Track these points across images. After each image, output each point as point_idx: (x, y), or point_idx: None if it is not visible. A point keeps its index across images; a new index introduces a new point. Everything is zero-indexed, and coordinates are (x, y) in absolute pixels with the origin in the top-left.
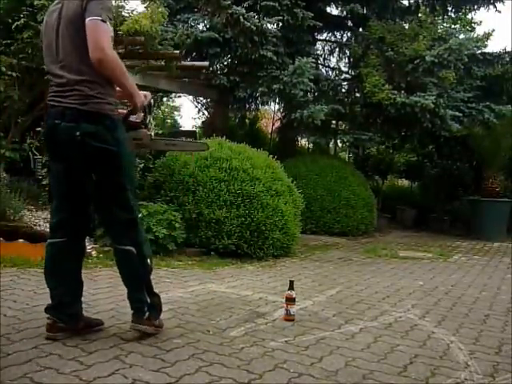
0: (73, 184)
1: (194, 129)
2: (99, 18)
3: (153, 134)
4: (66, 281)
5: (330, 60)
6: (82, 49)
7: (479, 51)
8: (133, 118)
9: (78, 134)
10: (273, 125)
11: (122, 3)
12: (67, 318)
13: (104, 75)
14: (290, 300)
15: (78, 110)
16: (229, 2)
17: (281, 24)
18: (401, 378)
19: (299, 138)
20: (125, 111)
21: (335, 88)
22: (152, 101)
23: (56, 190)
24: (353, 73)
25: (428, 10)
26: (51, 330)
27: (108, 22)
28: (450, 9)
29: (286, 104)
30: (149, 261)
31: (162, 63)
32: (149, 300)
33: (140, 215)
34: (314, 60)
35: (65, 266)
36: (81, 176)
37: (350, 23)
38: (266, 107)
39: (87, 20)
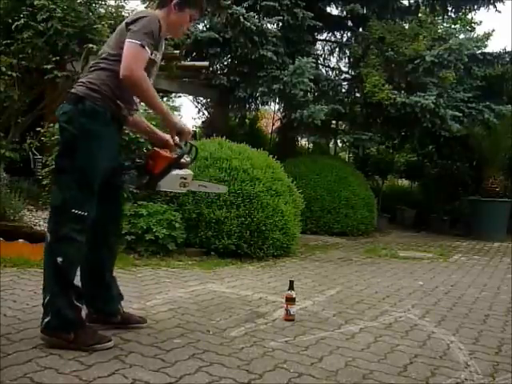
0: None
1: (194, 129)
2: (138, 42)
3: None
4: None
5: (330, 60)
6: (111, 53)
7: (479, 51)
8: (184, 159)
9: (56, 113)
10: (273, 125)
11: (122, 3)
12: None
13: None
14: (290, 300)
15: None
16: (229, 2)
17: (281, 24)
18: (401, 377)
19: (299, 138)
20: (167, 136)
21: (335, 88)
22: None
23: None
24: (353, 73)
25: (428, 9)
26: None
27: (147, 47)
28: (450, 9)
29: (286, 104)
30: (60, 260)
31: (162, 63)
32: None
33: (85, 214)
34: (314, 60)
35: None
36: None
37: (350, 23)
38: (266, 107)
39: (127, 40)
